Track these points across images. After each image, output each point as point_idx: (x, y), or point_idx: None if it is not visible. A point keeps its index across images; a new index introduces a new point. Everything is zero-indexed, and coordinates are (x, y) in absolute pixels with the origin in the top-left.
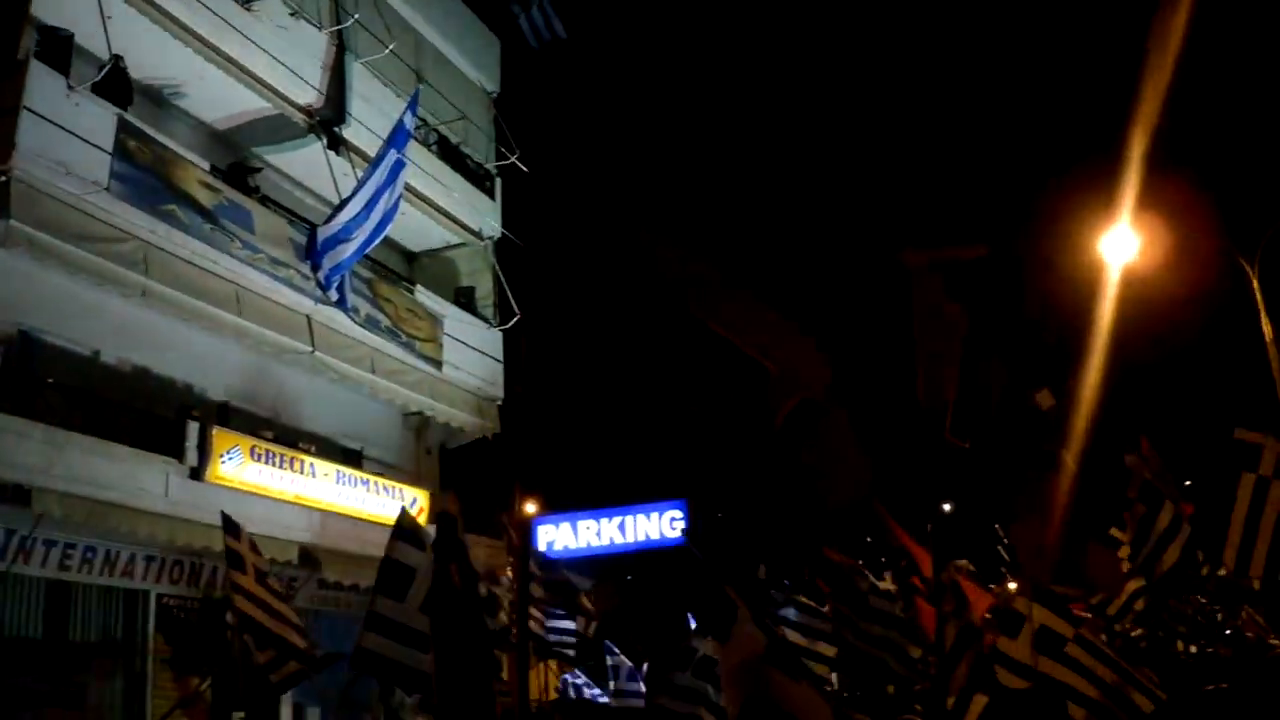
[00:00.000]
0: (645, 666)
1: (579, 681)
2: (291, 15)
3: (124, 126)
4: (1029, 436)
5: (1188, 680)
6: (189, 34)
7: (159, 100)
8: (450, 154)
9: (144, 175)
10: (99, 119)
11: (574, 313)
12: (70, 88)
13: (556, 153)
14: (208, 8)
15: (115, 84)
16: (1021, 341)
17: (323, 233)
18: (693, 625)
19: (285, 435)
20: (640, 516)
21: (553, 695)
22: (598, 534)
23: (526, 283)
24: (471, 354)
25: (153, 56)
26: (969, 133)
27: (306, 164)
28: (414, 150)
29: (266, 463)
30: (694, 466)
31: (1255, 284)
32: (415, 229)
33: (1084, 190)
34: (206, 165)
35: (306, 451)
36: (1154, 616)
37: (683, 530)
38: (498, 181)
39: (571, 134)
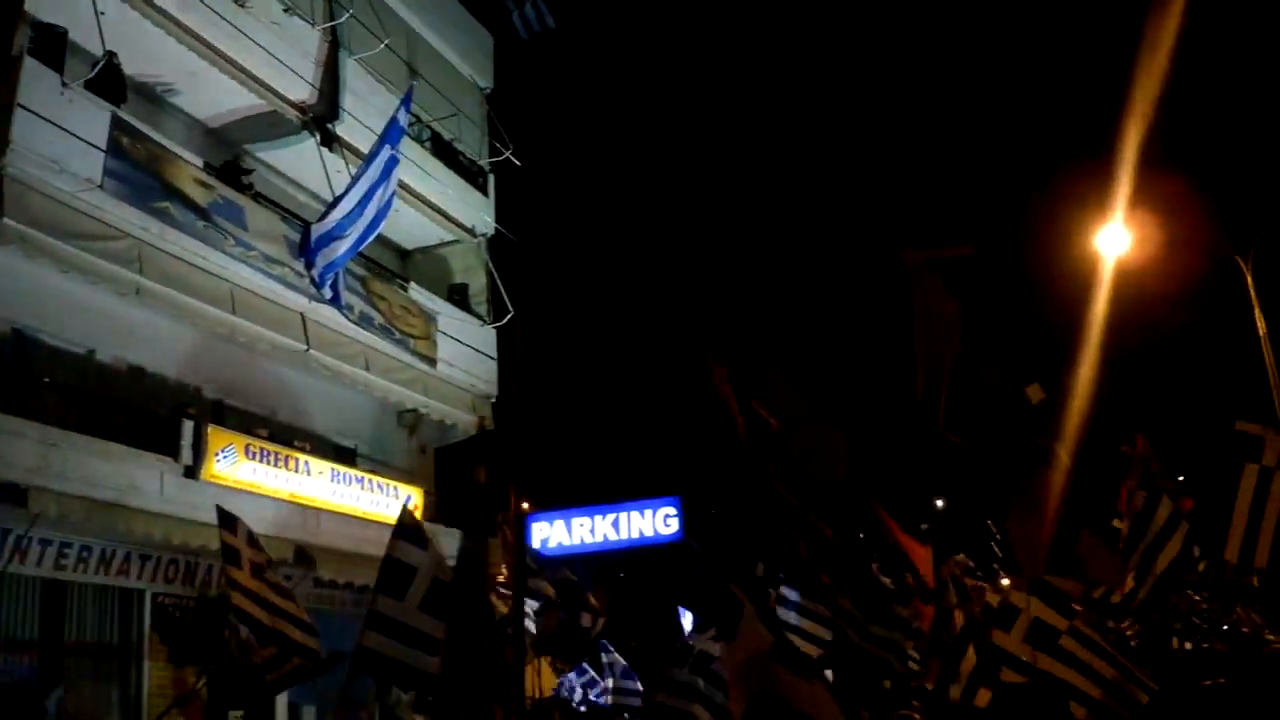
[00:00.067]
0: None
1: (583, 679)
2: (285, 11)
3: (118, 124)
4: (1022, 432)
5: (1185, 676)
6: (183, 31)
7: (153, 97)
8: (443, 150)
9: (138, 172)
10: (93, 116)
11: (567, 309)
12: (64, 84)
13: (550, 149)
14: (202, 4)
15: (109, 81)
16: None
17: (316, 230)
18: (684, 621)
19: (280, 433)
20: (634, 513)
21: (547, 693)
22: (591, 531)
23: (520, 279)
24: (465, 351)
25: (146, 53)
26: (965, 131)
27: (300, 161)
28: (407, 146)
29: (261, 461)
30: (688, 464)
31: (1249, 280)
32: (408, 226)
33: (1078, 187)
34: (200, 162)
35: (301, 450)
36: (1151, 612)
37: (684, 527)
38: (491, 178)
39: (564, 129)
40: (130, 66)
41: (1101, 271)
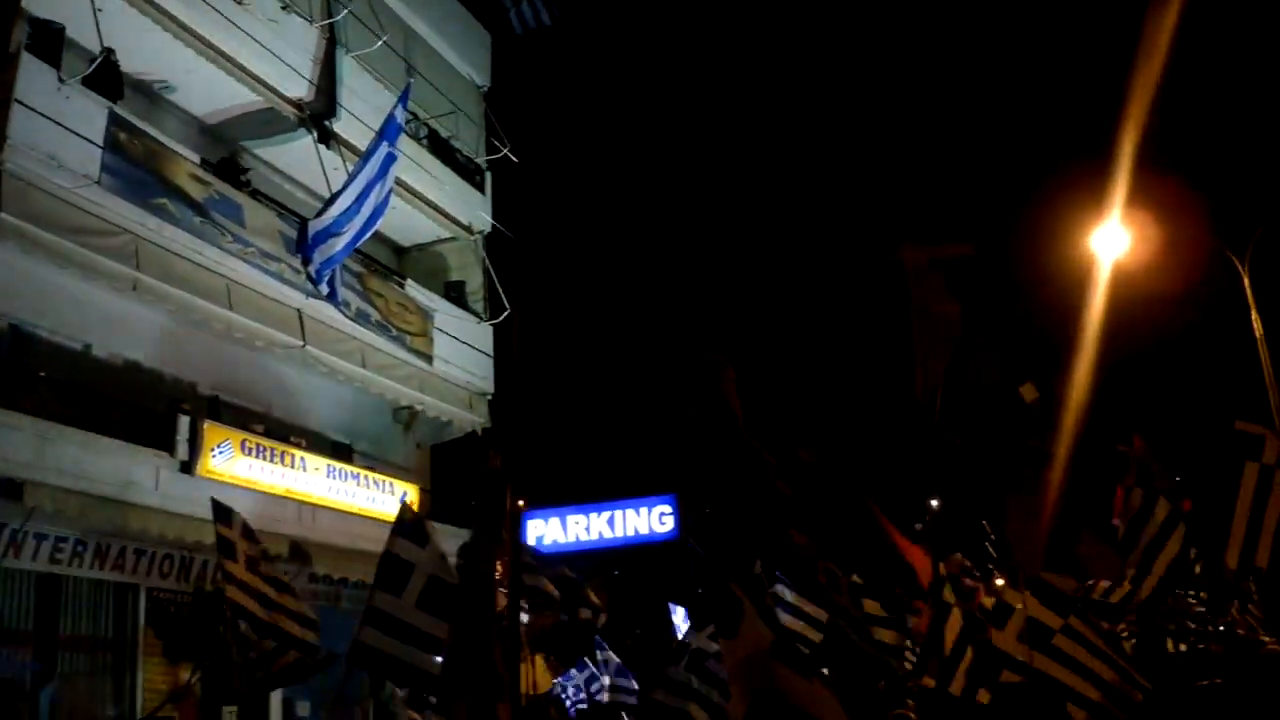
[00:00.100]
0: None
1: (585, 675)
2: (283, 9)
3: (115, 120)
4: (1018, 431)
5: (1181, 676)
6: (180, 27)
7: (150, 94)
8: (441, 148)
9: (135, 169)
10: (90, 112)
11: (564, 307)
12: (61, 81)
13: (547, 146)
14: (200, 0)
15: (106, 77)
16: (1011, 337)
17: (313, 226)
18: (674, 618)
19: (275, 429)
20: (629, 511)
21: (543, 689)
22: (587, 529)
23: (517, 277)
24: (461, 348)
25: (144, 50)
26: (962, 131)
27: (297, 158)
28: (404, 144)
29: (257, 457)
30: (684, 462)
31: (1246, 281)
32: (405, 223)
33: (1075, 188)
34: (197, 159)
35: (297, 446)
36: (1149, 614)
37: (684, 525)
38: (488, 176)
39: (562, 127)
40: (128, 63)
41: (1098, 272)
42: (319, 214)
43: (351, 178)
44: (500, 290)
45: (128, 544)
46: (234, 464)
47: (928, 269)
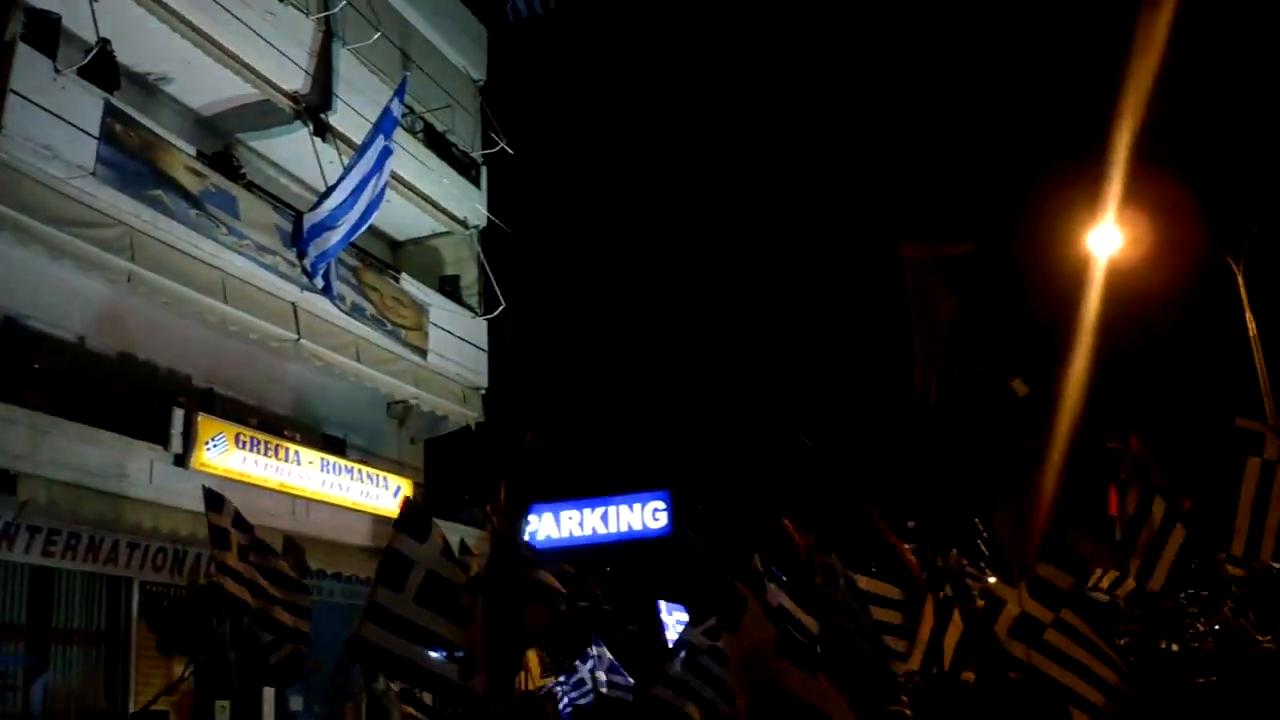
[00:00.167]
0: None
1: (574, 679)
2: (280, 1)
3: (110, 111)
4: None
5: (1177, 674)
6: (176, 18)
7: (145, 85)
8: (436, 142)
9: (130, 160)
10: (85, 103)
11: (559, 302)
12: (57, 71)
13: (543, 143)
14: None
15: (102, 68)
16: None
17: (309, 219)
18: (663, 616)
19: (269, 423)
20: (623, 507)
21: (535, 684)
22: (580, 524)
23: (511, 272)
24: (456, 343)
25: (140, 41)
26: (956, 129)
27: (293, 150)
28: (400, 138)
29: (251, 450)
30: (678, 457)
31: (1240, 280)
32: (400, 217)
33: (1071, 186)
34: (193, 151)
35: (291, 439)
36: (1150, 610)
37: (677, 521)
38: (483, 170)
39: (558, 122)
40: (123, 54)
41: (1093, 270)
42: (314, 207)
43: (347, 171)
44: (495, 285)
45: (121, 537)
46: (228, 457)
47: (927, 266)
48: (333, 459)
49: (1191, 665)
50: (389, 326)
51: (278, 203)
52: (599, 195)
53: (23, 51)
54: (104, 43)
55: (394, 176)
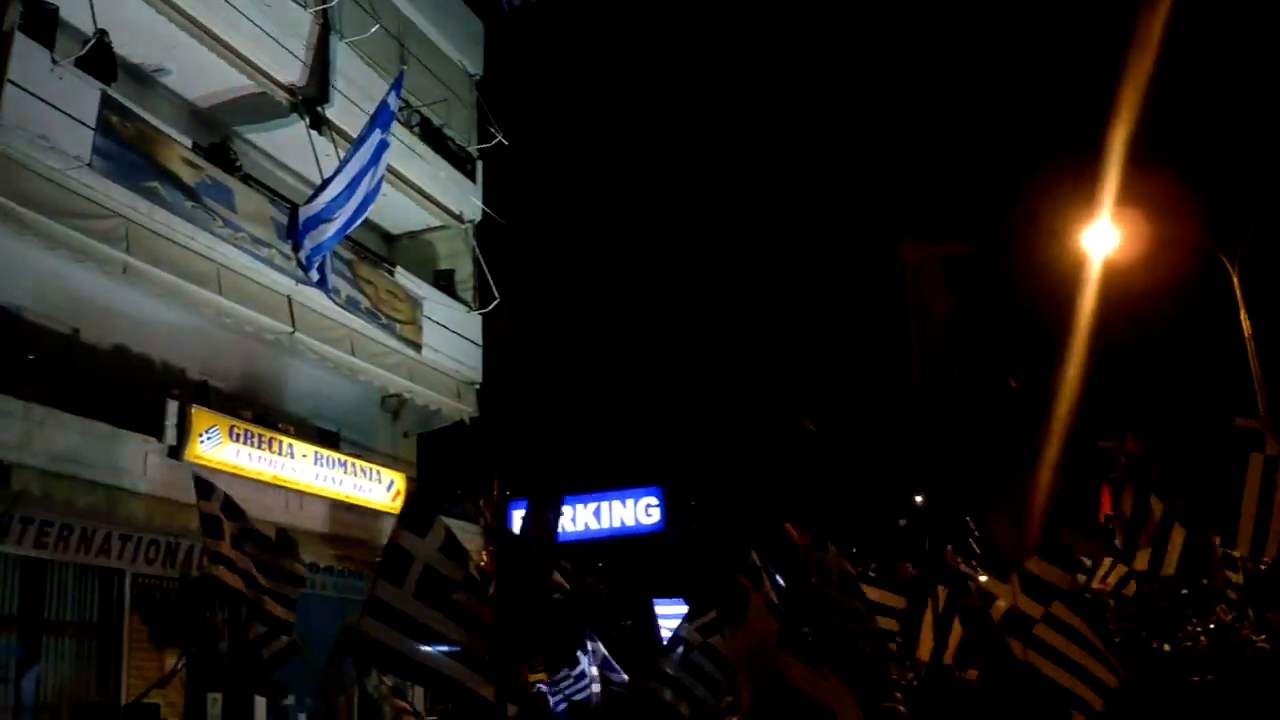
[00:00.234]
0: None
1: (585, 666)
2: None
3: (107, 102)
4: (1007, 428)
5: (1171, 672)
6: (174, 10)
7: (142, 77)
8: (432, 136)
9: (126, 151)
10: (83, 94)
11: (554, 297)
12: (54, 62)
13: (539, 138)
14: None
15: (99, 59)
16: (1003, 333)
17: (304, 212)
18: (656, 610)
19: (263, 415)
20: (616, 503)
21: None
22: (573, 519)
23: (506, 267)
24: (450, 337)
25: (137, 32)
26: (952, 128)
27: (289, 143)
28: (396, 131)
29: (245, 443)
30: (672, 454)
31: (1235, 280)
32: (396, 210)
33: (1066, 185)
34: (189, 143)
35: (285, 432)
36: (1148, 610)
37: (670, 517)
38: (479, 165)
39: (554, 118)
40: (121, 45)
41: (1089, 269)
42: (310, 200)
43: (343, 164)
44: (490, 279)
45: (114, 529)
46: (221, 450)
47: (926, 265)
48: (326, 452)
49: (1185, 664)
50: (383, 320)
51: (274, 195)
52: (595, 190)
53: (20, 41)
54: (101, 34)
55: (390, 170)
